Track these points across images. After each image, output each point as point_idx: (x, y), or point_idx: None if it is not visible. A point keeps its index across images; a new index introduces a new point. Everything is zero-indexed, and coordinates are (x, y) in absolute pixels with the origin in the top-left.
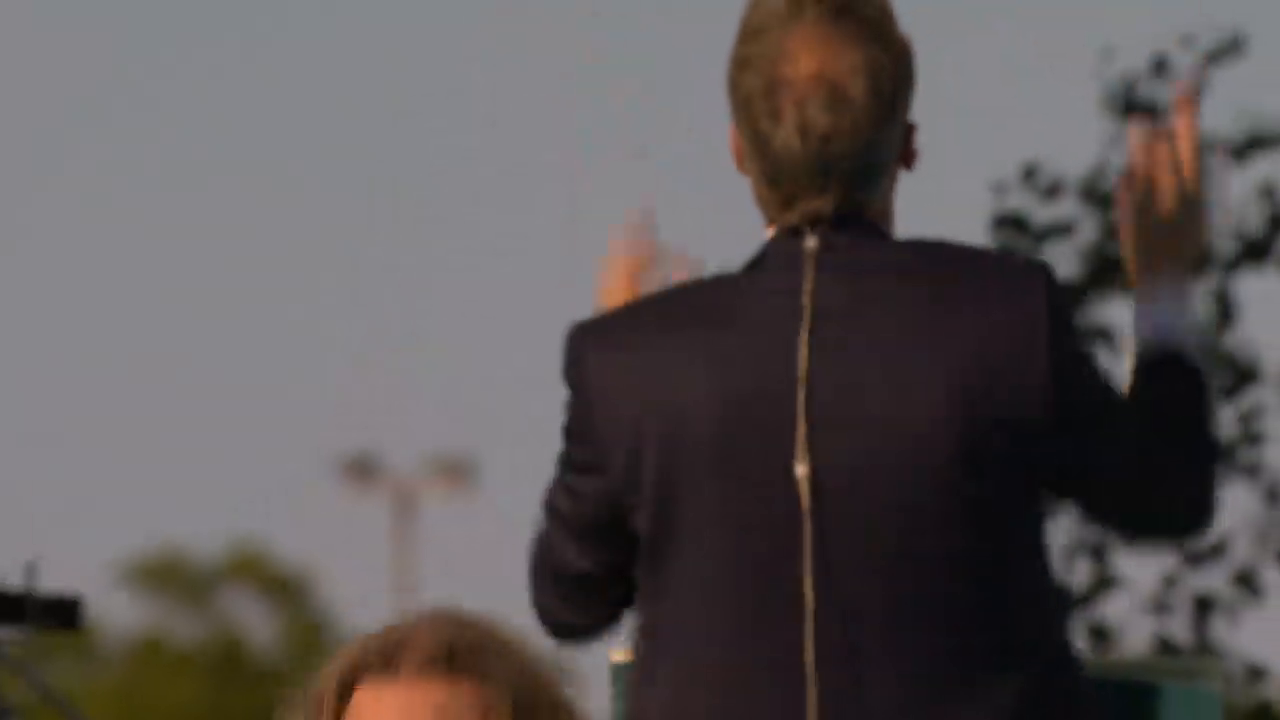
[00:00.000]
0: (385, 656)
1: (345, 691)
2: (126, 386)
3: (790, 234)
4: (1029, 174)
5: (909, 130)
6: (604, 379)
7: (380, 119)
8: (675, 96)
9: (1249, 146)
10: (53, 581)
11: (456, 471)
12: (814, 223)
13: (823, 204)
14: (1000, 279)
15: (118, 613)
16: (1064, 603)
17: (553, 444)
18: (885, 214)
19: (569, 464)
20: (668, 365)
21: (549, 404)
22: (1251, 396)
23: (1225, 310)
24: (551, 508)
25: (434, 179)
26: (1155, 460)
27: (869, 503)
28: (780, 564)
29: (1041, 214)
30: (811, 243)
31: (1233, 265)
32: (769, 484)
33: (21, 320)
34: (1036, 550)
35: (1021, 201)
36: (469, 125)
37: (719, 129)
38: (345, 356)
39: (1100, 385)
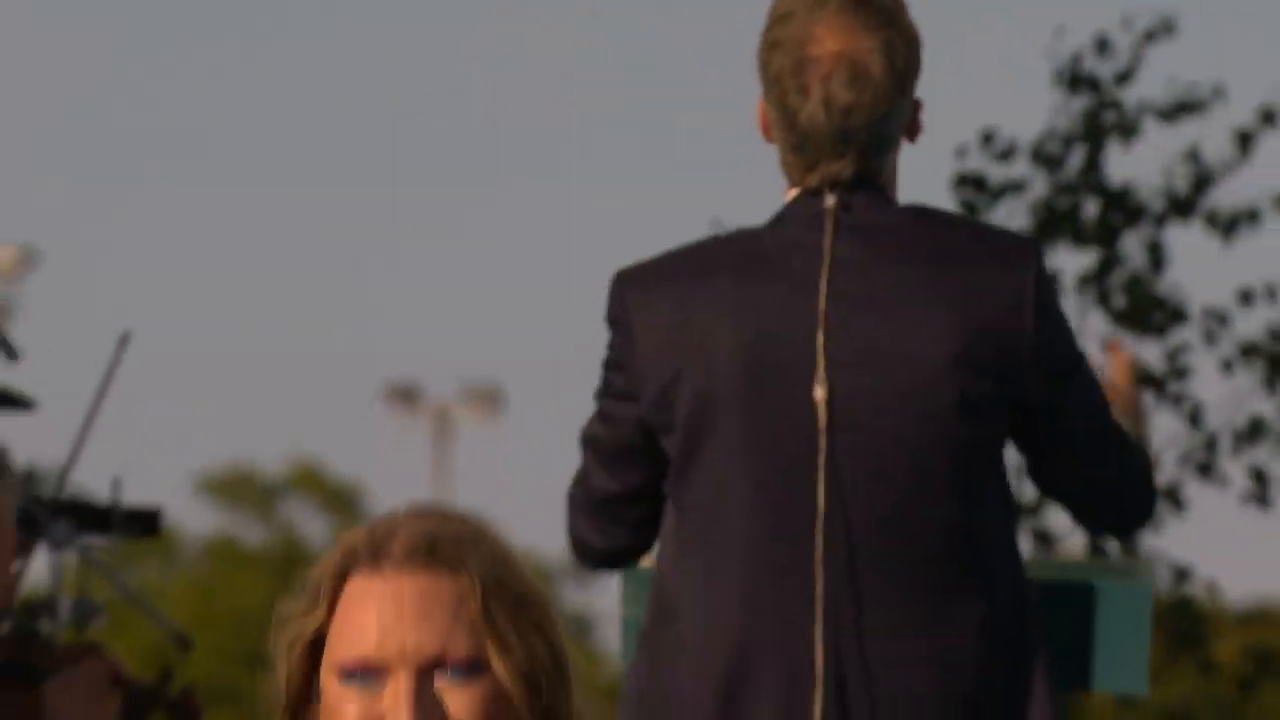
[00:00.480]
0: (373, 550)
1: (339, 583)
2: (204, 321)
3: (811, 195)
4: (987, 139)
5: (916, 106)
6: (644, 318)
7: (417, 79)
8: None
9: (1177, 112)
10: (135, 495)
11: (488, 399)
12: (833, 185)
13: (842, 168)
14: (996, 247)
15: (193, 521)
16: (1015, 523)
17: (571, 376)
18: (891, 181)
19: (608, 393)
20: (702, 306)
21: (567, 342)
22: (1178, 335)
23: (1156, 259)
24: (587, 438)
25: (470, 141)
26: (1121, 448)
27: (875, 428)
28: (798, 474)
29: (997, 174)
30: (831, 202)
31: (1162, 219)
32: (791, 407)
33: (108, 252)
34: (1006, 484)
35: (980, 163)
36: (475, 115)
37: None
38: (392, 295)
39: (1073, 346)
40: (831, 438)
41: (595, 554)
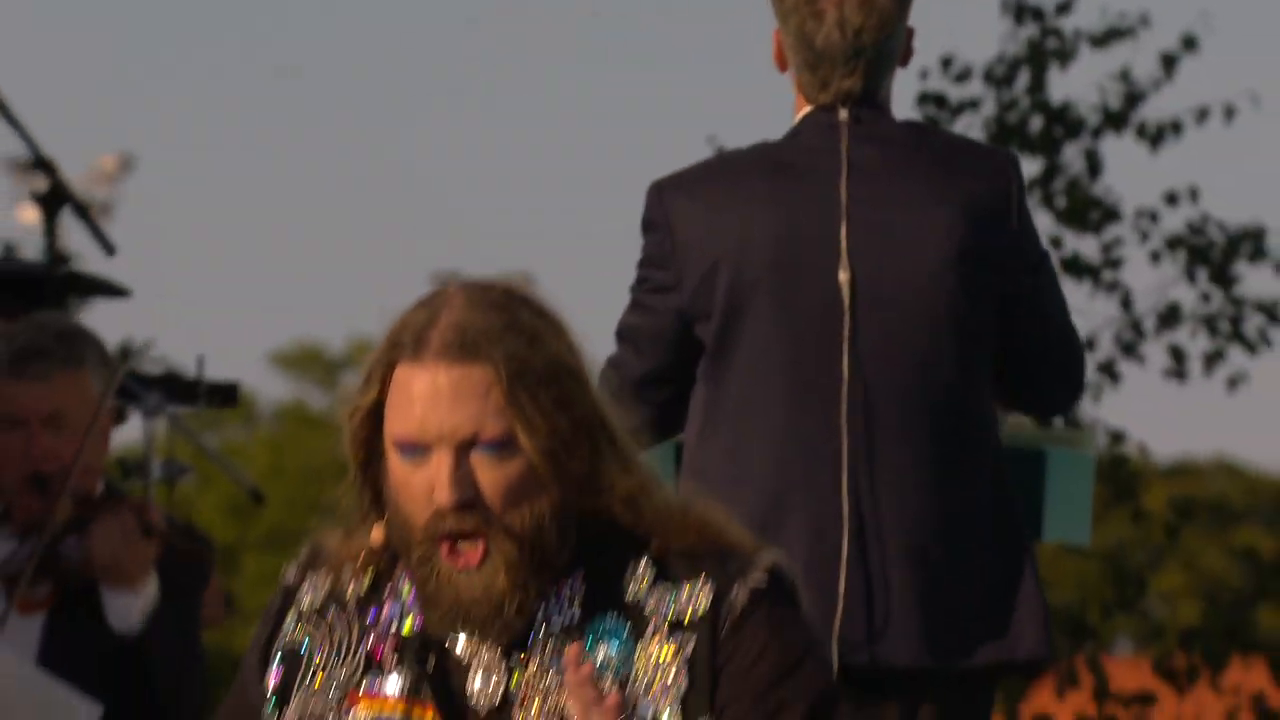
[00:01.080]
0: (415, 342)
1: (389, 369)
2: (271, 217)
3: (823, 110)
4: (946, 63)
5: (909, 33)
6: (682, 218)
7: None
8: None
9: (1109, 38)
10: (216, 370)
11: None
12: (844, 100)
13: (853, 84)
14: (983, 159)
15: (267, 390)
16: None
17: (604, 264)
18: (888, 100)
19: (646, 288)
20: (734, 205)
21: (589, 235)
22: (1112, 231)
23: (1093, 166)
24: (623, 329)
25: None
26: (1070, 338)
27: (890, 310)
28: (824, 349)
29: (955, 93)
30: (844, 114)
31: (1097, 132)
32: (818, 290)
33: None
34: (991, 365)
35: (940, 84)
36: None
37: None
38: (441, 190)
39: (1039, 243)
40: (854, 317)
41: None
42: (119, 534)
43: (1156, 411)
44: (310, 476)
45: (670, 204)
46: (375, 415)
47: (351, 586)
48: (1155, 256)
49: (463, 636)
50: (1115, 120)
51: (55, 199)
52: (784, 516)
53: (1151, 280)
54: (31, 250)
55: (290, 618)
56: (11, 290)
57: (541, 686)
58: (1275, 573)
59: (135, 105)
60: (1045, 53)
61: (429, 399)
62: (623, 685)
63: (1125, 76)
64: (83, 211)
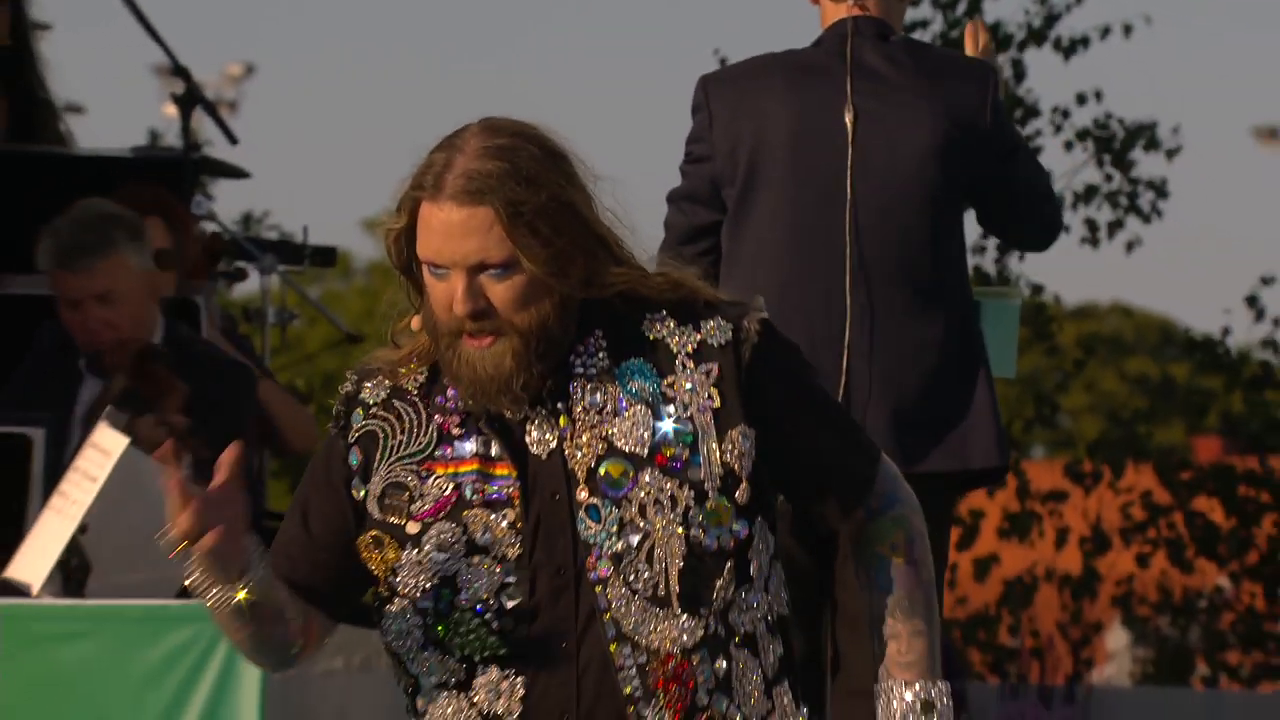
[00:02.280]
0: (434, 184)
1: (415, 203)
2: (364, 107)
3: (839, 24)
4: None
5: None
6: (719, 104)
7: None
8: None
9: None
10: (319, 236)
11: None
12: (857, 18)
13: (865, 4)
14: (965, 69)
15: (360, 248)
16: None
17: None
18: (899, 22)
19: (690, 160)
20: (760, 96)
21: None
22: (1033, 125)
23: (1018, 73)
24: (672, 195)
25: None
26: (1044, 187)
27: (886, 183)
28: (831, 209)
29: (910, 14)
30: (853, 26)
31: (1023, 45)
32: (827, 162)
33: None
34: (963, 233)
35: None
36: None
37: None
38: (490, 90)
39: (1015, 134)
40: (855, 188)
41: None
42: (156, 434)
43: (1070, 272)
44: (391, 320)
45: (711, 92)
46: (406, 236)
47: (410, 379)
48: (1068, 146)
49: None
50: (1036, 36)
51: (190, 99)
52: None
53: (1065, 164)
54: (171, 139)
55: (359, 413)
56: (155, 170)
57: (587, 422)
58: (1160, 394)
59: (257, 21)
60: None
61: (444, 232)
62: (655, 412)
63: (1044, 1)
64: (211, 109)
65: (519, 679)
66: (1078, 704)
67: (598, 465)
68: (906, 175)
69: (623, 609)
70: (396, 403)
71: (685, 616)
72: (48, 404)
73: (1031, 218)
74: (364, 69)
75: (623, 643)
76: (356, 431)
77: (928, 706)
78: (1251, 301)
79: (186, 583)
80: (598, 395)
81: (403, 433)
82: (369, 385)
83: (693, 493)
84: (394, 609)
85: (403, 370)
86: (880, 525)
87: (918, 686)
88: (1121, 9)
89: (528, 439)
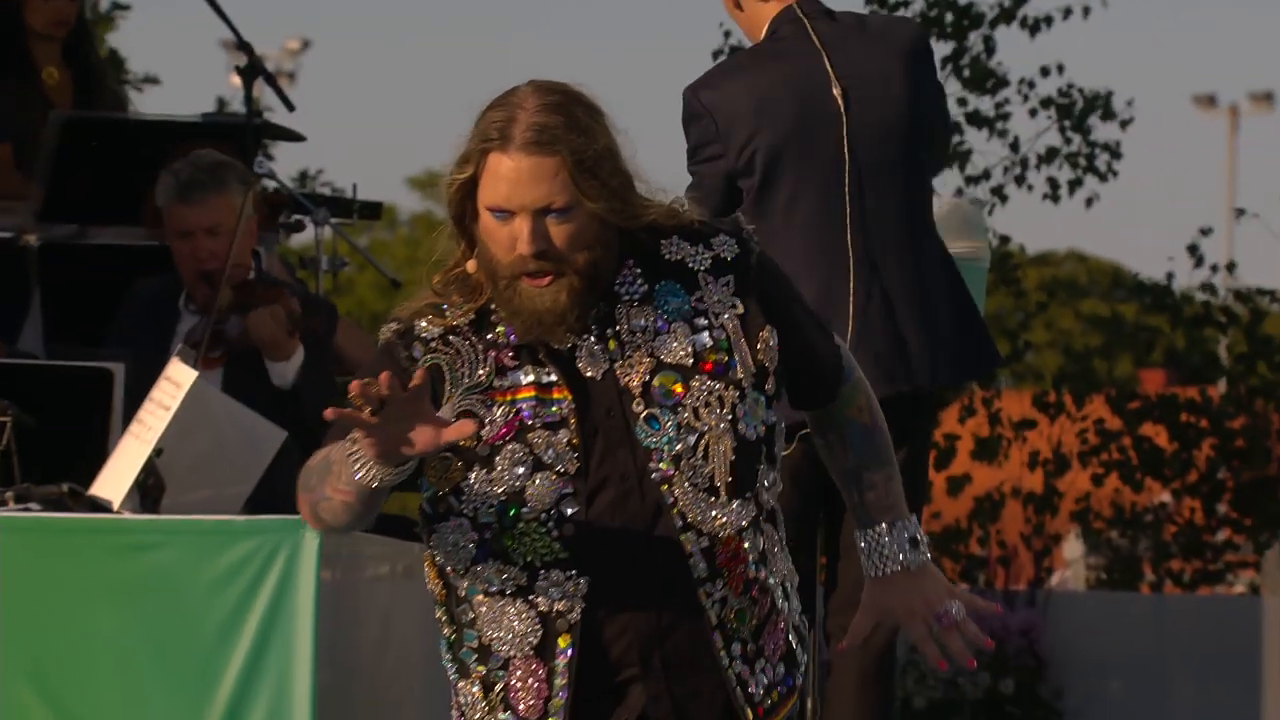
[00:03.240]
0: (501, 136)
1: (483, 155)
2: (408, 78)
3: (786, 13)
4: None
5: None
6: (717, 105)
7: None
8: None
9: None
10: (367, 191)
11: None
12: (800, 3)
13: None
14: (905, 24)
15: (404, 202)
16: None
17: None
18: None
19: (699, 161)
20: (755, 89)
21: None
22: (1003, 94)
23: (989, 48)
24: (690, 192)
25: None
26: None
27: (875, 146)
28: (835, 180)
29: None
30: (799, 12)
31: (994, 23)
32: (828, 138)
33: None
34: (930, 181)
35: None
36: None
37: None
38: (518, 59)
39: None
40: (853, 157)
41: None
42: (272, 321)
43: (1034, 225)
44: (435, 266)
45: (705, 98)
46: (467, 187)
47: (460, 319)
48: (1033, 113)
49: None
50: (1006, 15)
51: (252, 70)
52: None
53: (1030, 129)
54: (236, 106)
55: (419, 346)
56: (222, 134)
57: (634, 342)
58: (1112, 332)
59: (313, 1)
60: None
61: (513, 179)
62: (691, 326)
63: None
64: (271, 79)
65: (582, 579)
66: (1038, 606)
67: (651, 379)
68: (895, 127)
69: (687, 501)
70: (452, 338)
71: (736, 502)
72: (146, 340)
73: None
74: (407, 44)
75: (689, 530)
76: (422, 364)
77: (914, 542)
78: (1192, 250)
79: (350, 451)
80: (641, 319)
81: (463, 365)
82: (422, 323)
83: (736, 391)
84: (449, 525)
85: (448, 312)
86: (845, 393)
87: (899, 525)
88: None
89: (579, 364)
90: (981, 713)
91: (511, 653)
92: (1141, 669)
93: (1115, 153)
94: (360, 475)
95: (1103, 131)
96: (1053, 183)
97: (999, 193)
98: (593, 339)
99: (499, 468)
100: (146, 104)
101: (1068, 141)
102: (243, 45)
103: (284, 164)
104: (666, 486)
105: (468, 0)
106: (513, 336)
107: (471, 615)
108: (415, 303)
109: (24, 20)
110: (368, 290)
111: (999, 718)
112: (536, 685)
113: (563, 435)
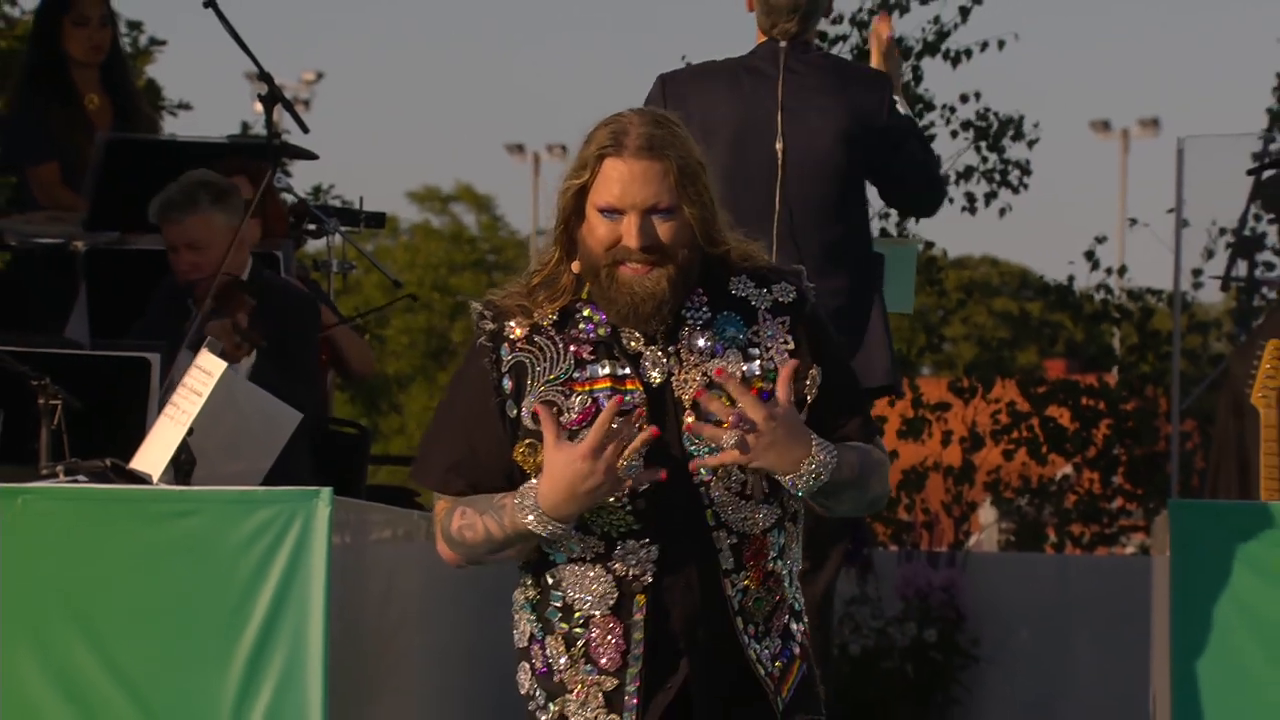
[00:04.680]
0: (616, 143)
1: (598, 161)
2: (411, 108)
3: (771, 41)
4: (827, 12)
5: None
6: (675, 100)
7: None
8: None
9: None
10: (371, 203)
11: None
12: (784, 36)
13: (790, 27)
14: (868, 78)
15: (404, 213)
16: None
17: None
18: (813, 38)
19: None
20: (708, 94)
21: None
22: (928, 118)
23: (917, 77)
24: None
25: None
26: (929, 169)
27: (806, 166)
28: (765, 190)
29: (832, 30)
30: (784, 44)
31: (920, 55)
32: (762, 151)
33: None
34: (866, 201)
35: (823, 26)
36: None
37: None
38: (509, 78)
39: (906, 126)
40: (784, 170)
41: None
42: (222, 332)
43: (953, 231)
44: (430, 268)
45: (669, 90)
46: (580, 192)
47: (545, 318)
48: (954, 134)
49: (639, 337)
50: (930, 48)
51: (272, 97)
52: None
53: (952, 149)
54: (257, 129)
55: (505, 348)
56: (247, 152)
57: (691, 361)
58: (1020, 327)
59: (325, 37)
60: (889, 6)
61: (626, 180)
62: (744, 355)
63: (937, 20)
64: (289, 106)
65: (654, 547)
66: (958, 565)
67: (699, 400)
68: (821, 160)
69: (722, 503)
70: (536, 338)
71: (765, 507)
72: (167, 334)
73: (918, 193)
74: (407, 76)
75: (720, 528)
76: (507, 363)
77: (825, 457)
78: (1090, 255)
79: (528, 521)
80: (700, 340)
81: (545, 361)
82: (510, 324)
83: None
84: None
85: (535, 311)
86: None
87: (825, 453)
88: (996, 28)
89: (644, 367)
90: (909, 658)
91: (592, 611)
92: (1047, 619)
93: (1025, 169)
94: (536, 523)
95: (1014, 151)
96: (970, 196)
97: None
98: (658, 351)
99: None
100: (180, 127)
101: (984, 160)
102: (264, 76)
103: (300, 180)
104: (705, 489)
105: (460, 37)
106: (592, 334)
107: (557, 579)
108: (507, 300)
109: (65, 50)
110: (373, 290)
111: (924, 662)
112: (615, 641)
113: (635, 421)
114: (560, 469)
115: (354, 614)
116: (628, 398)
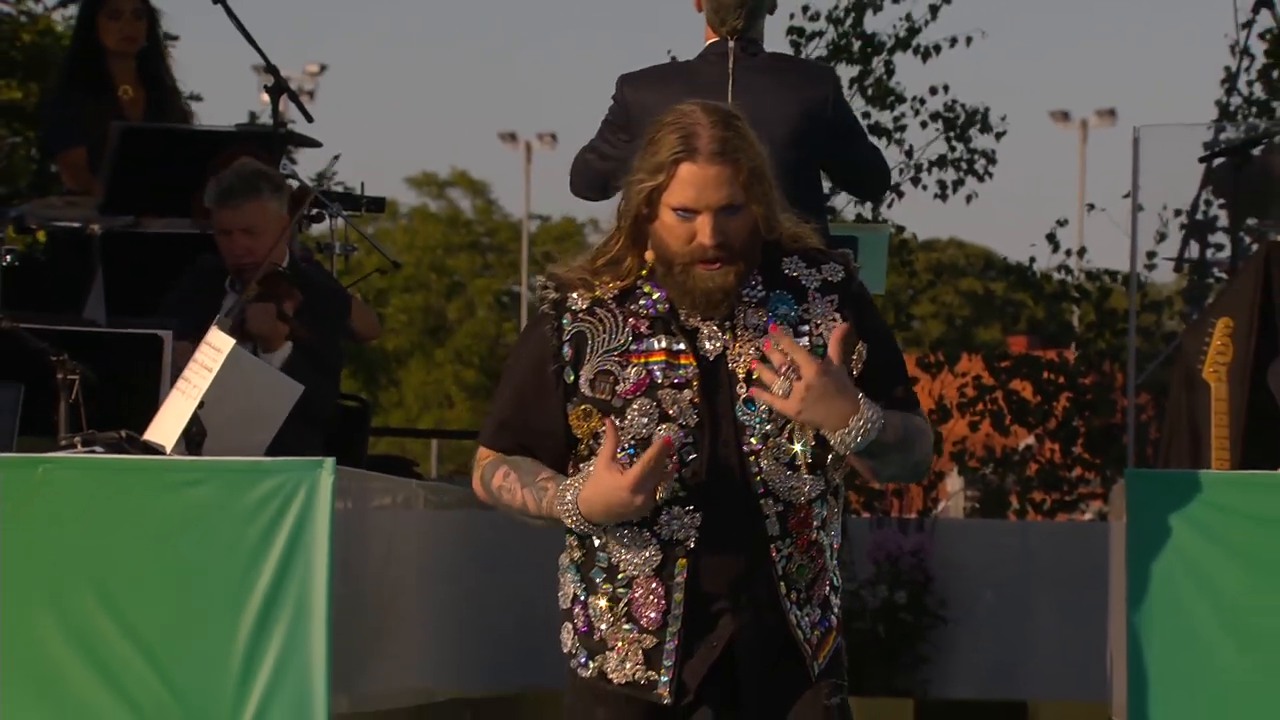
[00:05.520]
0: (689, 148)
1: (674, 165)
2: (411, 100)
3: (720, 41)
4: (805, 9)
5: None
6: (635, 99)
7: None
8: None
9: None
10: (372, 188)
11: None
12: (732, 34)
13: (739, 23)
14: (813, 73)
15: (403, 197)
16: (825, 208)
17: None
18: (761, 35)
19: (606, 134)
20: (664, 94)
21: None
22: (899, 109)
23: (889, 71)
24: (592, 149)
25: None
26: (878, 160)
27: None
28: None
29: (809, 27)
30: (733, 44)
31: (892, 50)
32: None
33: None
34: (822, 191)
35: (800, 22)
36: None
37: None
38: (502, 72)
39: (854, 120)
40: None
41: (583, 195)
42: (265, 317)
43: (925, 217)
44: (427, 250)
45: (628, 90)
46: (652, 194)
47: (606, 292)
48: (924, 125)
49: (697, 314)
50: (902, 44)
51: (278, 89)
52: None
53: (922, 139)
54: (264, 118)
55: (567, 318)
56: (254, 140)
57: (745, 336)
58: (985, 306)
59: (329, 31)
60: (864, 3)
61: (701, 184)
62: (795, 331)
63: (908, 18)
64: (294, 96)
65: (698, 514)
66: (926, 530)
67: (753, 370)
68: (772, 155)
69: (770, 472)
70: (598, 309)
71: (810, 477)
72: (198, 313)
73: (866, 177)
74: (406, 68)
75: (767, 497)
76: (569, 332)
77: (872, 415)
78: (1051, 238)
79: (563, 514)
80: (754, 318)
81: (604, 332)
82: (574, 295)
83: None
84: (590, 465)
85: (597, 286)
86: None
87: (872, 411)
88: (964, 25)
89: (700, 342)
90: (880, 619)
91: (635, 573)
92: (1010, 582)
93: (990, 158)
94: (570, 519)
95: (980, 141)
96: (941, 184)
97: (897, 190)
98: (715, 327)
99: (629, 418)
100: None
101: (952, 149)
102: (270, 69)
103: (304, 166)
104: (754, 458)
105: (456, 32)
106: (651, 309)
107: (604, 541)
108: (571, 274)
109: (101, 42)
110: (372, 267)
111: (894, 623)
112: (656, 601)
113: (686, 394)
114: (604, 489)
115: (356, 576)
116: (680, 372)
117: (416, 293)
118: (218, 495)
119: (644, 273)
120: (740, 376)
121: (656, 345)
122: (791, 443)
